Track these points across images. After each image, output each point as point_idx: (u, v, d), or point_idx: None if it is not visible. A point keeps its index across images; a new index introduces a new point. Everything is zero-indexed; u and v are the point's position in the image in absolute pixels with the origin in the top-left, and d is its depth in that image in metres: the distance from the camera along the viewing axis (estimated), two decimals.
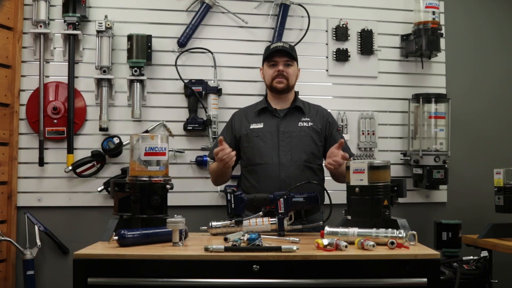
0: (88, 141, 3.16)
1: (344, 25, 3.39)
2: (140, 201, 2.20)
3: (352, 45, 3.41)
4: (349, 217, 2.20)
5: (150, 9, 3.26)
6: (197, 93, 3.19)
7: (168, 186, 2.23)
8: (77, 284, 1.85)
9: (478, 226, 3.16)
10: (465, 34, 3.59)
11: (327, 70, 3.41)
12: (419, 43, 3.31)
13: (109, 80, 3.14)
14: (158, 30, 3.24)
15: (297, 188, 2.31)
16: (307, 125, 2.69)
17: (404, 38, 3.45)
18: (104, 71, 3.12)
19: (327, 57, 3.41)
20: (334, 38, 3.41)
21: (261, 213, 2.30)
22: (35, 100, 3.10)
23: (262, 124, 2.69)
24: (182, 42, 3.23)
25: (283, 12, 3.31)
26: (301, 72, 2.85)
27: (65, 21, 3.08)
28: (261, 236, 2.00)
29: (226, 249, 1.88)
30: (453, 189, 3.48)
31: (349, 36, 3.41)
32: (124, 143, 3.09)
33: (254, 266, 1.85)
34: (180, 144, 3.25)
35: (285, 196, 2.27)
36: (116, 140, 3.06)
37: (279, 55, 2.67)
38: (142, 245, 2.01)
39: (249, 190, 2.58)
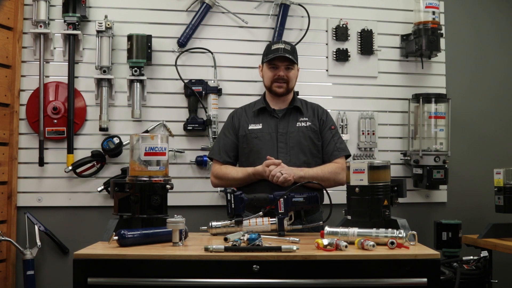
0: (88, 141, 3.16)
1: (344, 25, 3.39)
2: (140, 201, 2.20)
3: (352, 45, 3.41)
4: (349, 217, 2.20)
5: (150, 9, 3.27)
6: (197, 93, 3.19)
7: (168, 186, 2.23)
8: (77, 284, 1.85)
9: (478, 226, 3.16)
10: (465, 34, 3.59)
11: (327, 70, 3.41)
12: (419, 43, 3.31)
13: (109, 80, 3.14)
14: (158, 30, 3.24)
15: (297, 188, 2.32)
16: (305, 125, 2.68)
17: (404, 38, 3.45)
18: (104, 71, 3.12)
19: (327, 57, 3.41)
20: (334, 38, 3.41)
21: (261, 213, 2.30)
22: (35, 100, 3.10)
23: (260, 125, 2.69)
24: (182, 42, 3.23)
25: (283, 12, 3.32)
26: (301, 72, 2.84)
27: (65, 21, 3.08)
28: (261, 236, 2.00)
29: (226, 249, 1.88)
30: (453, 189, 3.48)
31: (349, 36, 3.41)
32: (124, 143, 3.09)
33: (254, 266, 1.85)
34: (180, 144, 3.25)
35: (285, 196, 2.27)
36: (116, 140, 3.06)
37: (281, 59, 2.65)
38: (142, 245, 2.01)
39: (248, 191, 2.58)
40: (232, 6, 3.31)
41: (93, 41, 3.15)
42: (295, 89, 2.82)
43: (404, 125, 3.46)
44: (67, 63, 3.12)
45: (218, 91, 3.24)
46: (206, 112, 3.22)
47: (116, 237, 1.98)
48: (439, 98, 3.35)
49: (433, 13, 3.33)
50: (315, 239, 1.98)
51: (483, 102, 3.59)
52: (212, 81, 3.24)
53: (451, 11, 3.55)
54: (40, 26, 3.07)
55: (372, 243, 1.92)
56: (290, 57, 2.63)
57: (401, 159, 3.42)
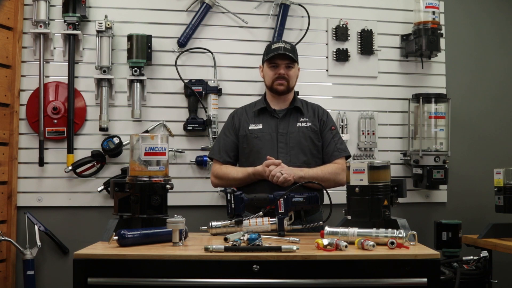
0: (88, 141, 3.16)
1: (344, 25, 3.39)
2: (140, 201, 2.20)
3: (352, 45, 3.41)
4: (349, 217, 2.20)
5: (150, 9, 3.27)
6: (197, 93, 3.19)
7: (168, 186, 2.23)
8: (77, 284, 1.85)
9: (478, 226, 3.16)
10: (465, 34, 3.59)
11: (327, 70, 3.41)
12: (419, 43, 3.31)
13: (109, 80, 3.14)
14: (158, 30, 3.24)
15: (297, 188, 2.31)
16: (305, 125, 2.68)
17: (404, 38, 3.45)
18: (104, 71, 3.12)
19: (327, 57, 3.41)
20: (334, 38, 3.41)
21: (261, 213, 2.30)
22: (35, 100, 3.10)
23: (261, 125, 2.69)
24: (182, 42, 3.23)
25: (283, 12, 3.32)
26: (301, 72, 2.84)
27: (65, 21, 3.08)
28: (261, 236, 2.00)
29: (226, 249, 1.88)
30: (453, 189, 3.48)
31: (349, 36, 3.41)
32: (124, 143, 3.09)
33: (254, 266, 1.85)
34: (180, 144, 3.25)
35: (285, 196, 2.27)
36: (116, 140, 3.06)
37: (281, 57, 2.65)
38: (142, 245, 2.01)
39: (248, 191, 2.58)
40: (232, 6, 3.31)
41: (93, 41, 3.15)
42: (295, 89, 2.82)
43: (404, 125, 3.46)
44: (67, 63, 3.12)
45: (218, 91, 3.24)
46: (206, 112, 3.22)
47: (116, 237, 1.98)
48: (439, 98, 3.35)
49: (433, 13, 3.33)
50: (315, 239, 1.99)
51: (483, 102, 3.59)
52: (212, 81, 3.24)
53: (451, 11, 3.55)
54: (40, 26, 3.07)
55: (372, 243, 1.92)
56: (291, 55, 2.63)
57: (401, 159, 3.42)
